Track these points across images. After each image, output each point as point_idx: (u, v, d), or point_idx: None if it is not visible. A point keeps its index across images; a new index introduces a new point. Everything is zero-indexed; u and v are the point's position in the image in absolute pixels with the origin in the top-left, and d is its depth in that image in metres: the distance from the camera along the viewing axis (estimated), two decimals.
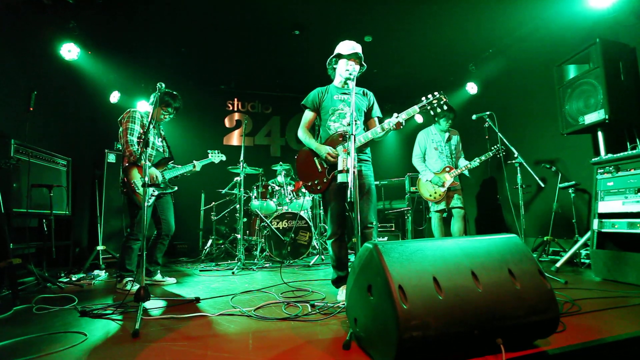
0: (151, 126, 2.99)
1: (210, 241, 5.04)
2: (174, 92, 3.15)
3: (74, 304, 2.34)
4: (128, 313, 2.13)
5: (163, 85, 2.55)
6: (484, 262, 1.36)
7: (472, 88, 5.34)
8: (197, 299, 2.39)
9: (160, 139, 3.18)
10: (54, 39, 4.10)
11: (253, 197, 4.68)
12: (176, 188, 3.16)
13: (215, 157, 3.56)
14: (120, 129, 2.88)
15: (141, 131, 2.88)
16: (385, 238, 5.02)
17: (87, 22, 4.20)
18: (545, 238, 3.55)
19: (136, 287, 2.72)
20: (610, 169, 2.71)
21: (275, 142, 6.84)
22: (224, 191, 5.05)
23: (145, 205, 2.16)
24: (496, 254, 1.41)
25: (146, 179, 2.16)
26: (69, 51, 4.12)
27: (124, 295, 2.50)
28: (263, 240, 4.25)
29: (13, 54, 3.61)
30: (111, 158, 4.34)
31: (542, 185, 3.14)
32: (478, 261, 1.36)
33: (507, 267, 1.37)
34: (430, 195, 3.92)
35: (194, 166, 3.33)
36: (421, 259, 1.31)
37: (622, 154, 2.67)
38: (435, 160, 3.98)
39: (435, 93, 2.36)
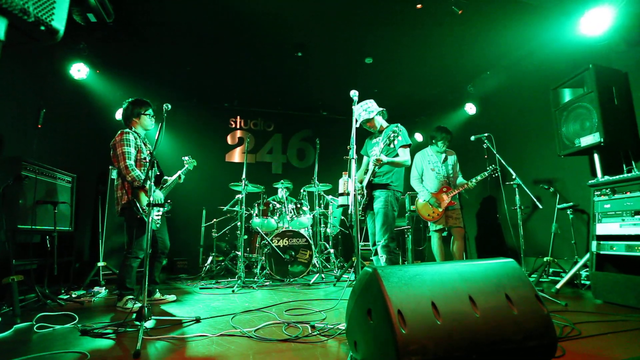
0: (144, 145, 3.06)
1: (210, 258, 5.04)
2: (138, 100, 3.14)
3: (74, 323, 2.34)
4: (129, 332, 2.13)
5: (169, 105, 2.63)
6: (482, 287, 1.39)
7: (470, 108, 5.44)
8: (198, 319, 2.40)
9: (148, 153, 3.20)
10: (64, 58, 4.23)
11: (254, 214, 4.71)
12: (171, 204, 3.19)
13: (190, 163, 3.58)
14: (113, 153, 2.89)
15: (136, 153, 2.93)
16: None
17: (96, 43, 4.35)
18: (545, 259, 3.56)
19: (137, 305, 2.74)
20: (607, 191, 2.75)
21: (277, 160, 6.91)
22: (225, 208, 5.09)
23: (150, 226, 2.19)
24: (493, 279, 1.43)
25: (151, 199, 2.20)
26: (79, 71, 4.25)
27: (125, 314, 2.51)
28: (263, 258, 4.26)
29: (25, 74, 3.73)
30: (115, 175, 4.39)
31: (540, 206, 3.18)
32: (475, 286, 1.39)
33: (504, 292, 1.39)
34: (429, 215, 3.95)
35: (179, 177, 3.37)
36: (420, 284, 1.34)
37: (617, 176, 2.72)
38: (433, 181, 4.03)
39: (394, 126, 2.79)
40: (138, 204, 2.80)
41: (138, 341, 1.79)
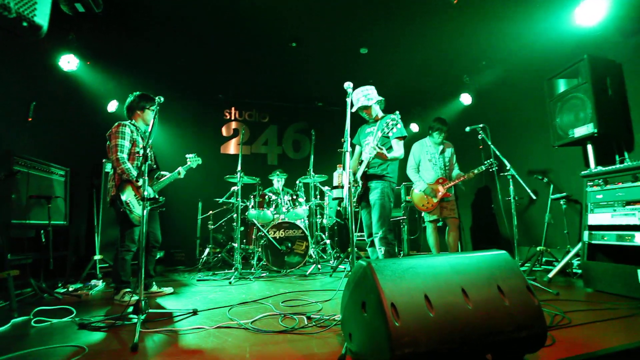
0: (141, 139, 3.03)
1: (207, 250, 5.06)
2: (145, 94, 3.16)
3: (72, 316, 2.36)
4: (126, 326, 2.15)
5: (162, 98, 2.61)
6: (474, 279, 1.41)
7: (466, 99, 5.43)
8: (195, 311, 2.42)
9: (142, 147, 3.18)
10: (53, 50, 4.13)
11: (250, 206, 4.71)
12: (164, 199, 3.17)
13: (194, 161, 3.51)
14: (109, 144, 2.90)
15: (131, 147, 2.92)
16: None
17: (86, 34, 4.26)
18: (538, 248, 3.61)
19: (134, 298, 2.76)
20: (599, 182, 2.78)
21: (273, 151, 6.89)
22: (221, 200, 5.08)
23: (145, 220, 2.19)
24: (485, 271, 1.46)
25: (145, 193, 2.19)
26: (68, 62, 4.16)
27: (122, 307, 2.53)
28: (260, 249, 4.28)
29: (13, 66, 3.65)
30: (108, 167, 4.36)
31: (534, 197, 3.21)
32: (468, 278, 1.41)
33: (496, 283, 1.42)
34: (423, 206, 3.98)
35: (179, 173, 3.31)
36: (413, 277, 1.36)
37: (609, 167, 2.74)
38: (429, 172, 4.04)
39: (393, 115, 2.72)
40: (122, 197, 2.79)
41: (135, 334, 1.81)
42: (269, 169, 6.21)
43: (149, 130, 2.46)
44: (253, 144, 6.81)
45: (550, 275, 3.14)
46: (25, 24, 0.84)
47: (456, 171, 4.07)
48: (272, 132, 6.95)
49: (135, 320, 1.98)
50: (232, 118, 6.75)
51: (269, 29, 4.39)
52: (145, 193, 2.20)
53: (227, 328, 2.06)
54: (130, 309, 2.16)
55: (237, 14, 4.06)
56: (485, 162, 3.71)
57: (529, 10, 3.75)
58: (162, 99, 2.59)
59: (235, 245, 4.21)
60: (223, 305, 2.61)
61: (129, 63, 5.08)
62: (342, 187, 2.01)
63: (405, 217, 5.17)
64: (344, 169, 2.12)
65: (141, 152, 2.89)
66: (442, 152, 4.12)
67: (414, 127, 6.51)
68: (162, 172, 3.28)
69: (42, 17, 0.87)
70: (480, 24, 4.15)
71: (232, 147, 6.67)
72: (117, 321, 2.18)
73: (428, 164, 4.08)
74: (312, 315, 2.20)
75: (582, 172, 2.96)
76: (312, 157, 4.90)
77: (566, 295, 2.60)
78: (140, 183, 2.70)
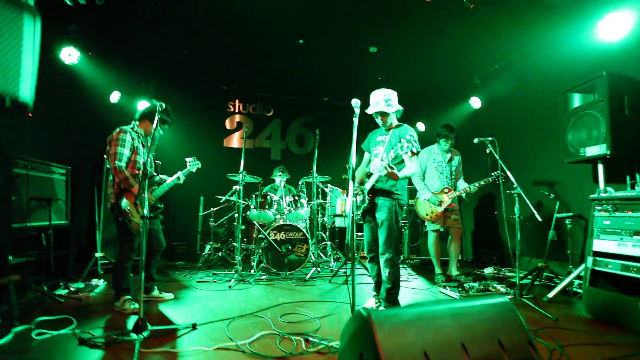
0: (142, 146, 2.98)
1: (208, 247, 5.09)
2: (167, 110, 3.04)
3: (72, 327, 2.37)
4: (126, 342, 2.16)
5: (163, 105, 2.55)
6: (475, 333, 1.38)
7: (475, 102, 5.29)
8: (194, 326, 2.43)
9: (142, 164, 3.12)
10: (54, 42, 4.03)
11: (252, 206, 4.69)
12: (162, 206, 3.14)
13: (193, 165, 3.45)
14: (108, 149, 2.85)
15: (131, 154, 2.87)
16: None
17: (88, 24, 4.13)
18: (539, 264, 3.58)
19: (134, 305, 2.78)
20: (608, 207, 2.72)
21: (276, 146, 6.82)
22: (223, 199, 5.04)
23: (144, 236, 2.17)
24: (487, 323, 1.43)
25: (145, 211, 2.17)
26: (69, 55, 4.07)
27: (123, 316, 2.54)
28: (260, 251, 4.28)
29: None
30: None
31: (539, 219, 3.15)
32: (469, 332, 1.38)
33: (497, 337, 1.39)
34: (427, 215, 3.94)
35: (179, 178, 3.27)
36: (413, 332, 1.33)
37: (620, 193, 2.67)
38: (435, 180, 3.98)
39: (408, 135, 2.56)
40: (121, 206, 2.77)
41: (134, 357, 1.81)
42: (272, 164, 6.16)
43: (151, 140, 2.42)
44: (256, 137, 6.73)
45: (550, 295, 3.13)
46: (8, 104, 0.79)
47: (462, 181, 4.01)
48: (276, 126, 6.85)
49: (135, 337, 2.00)
50: (236, 111, 6.65)
51: (276, 23, 4.25)
52: (145, 211, 2.17)
53: (225, 350, 2.07)
54: (131, 320, 2.16)
55: (244, 6, 3.90)
56: (492, 174, 3.64)
57: (549, 20, 3.59)
58: (163, 105, 2.54)
59: (236, 244, 4.22)
60: (222, 318, 2.62)
61: (132, 54, 4.98)
62: (345, 216, 1.97)
63: (407, 221, 5.14)
64: (347, 195, 2.07)
65: (141, 168, 2.83)
66: (450, 160, 4.05)
67: (421, 126, 6.39)
68: (162, 177, 3.24)
69: (26, 93, 0.81)
70: (496, 29, 3.98)
71: (235, 141, 6.60)
72: (118, 337, 2.19)
73: (434, 172, 4.01)
74: (310, 338, 2.21)
75: (591, 196, 2.89)
76: (315, 156, 4.79)
77: (565, 322, 2.58)
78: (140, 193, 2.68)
